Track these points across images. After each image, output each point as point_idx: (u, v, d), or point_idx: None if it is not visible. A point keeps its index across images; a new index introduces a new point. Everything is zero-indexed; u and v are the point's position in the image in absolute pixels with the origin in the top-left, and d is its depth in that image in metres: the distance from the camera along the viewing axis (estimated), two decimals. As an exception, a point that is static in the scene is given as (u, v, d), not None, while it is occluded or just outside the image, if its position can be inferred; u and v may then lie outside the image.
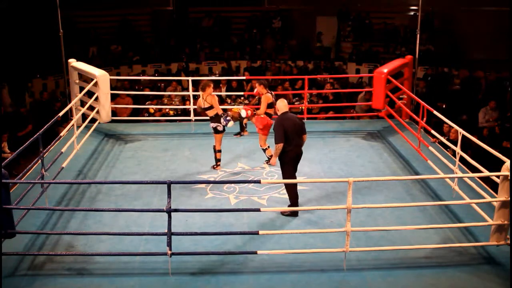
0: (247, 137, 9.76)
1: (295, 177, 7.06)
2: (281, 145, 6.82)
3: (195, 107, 10.52)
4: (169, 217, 5.65)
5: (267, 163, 8.58)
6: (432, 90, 13.70)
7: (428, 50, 16.75)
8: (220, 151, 8.39)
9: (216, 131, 8.24)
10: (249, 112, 8.40)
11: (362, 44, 17.93)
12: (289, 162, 6.94)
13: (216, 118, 8.18)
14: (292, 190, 6.95)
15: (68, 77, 10.29)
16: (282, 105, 7.11)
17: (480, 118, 11.77)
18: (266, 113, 8.40)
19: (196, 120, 10.44)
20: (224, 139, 9.82)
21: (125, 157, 9.07)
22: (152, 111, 11.93)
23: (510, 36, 13.13)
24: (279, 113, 7.14)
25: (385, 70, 9.92)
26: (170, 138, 9.91)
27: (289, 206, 6.98)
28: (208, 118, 8.35)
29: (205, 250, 6.13)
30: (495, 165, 6.33)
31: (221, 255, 5.97)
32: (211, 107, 8.14)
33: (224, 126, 8.19)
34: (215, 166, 8.44)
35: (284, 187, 7.27)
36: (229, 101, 13.17)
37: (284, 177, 7.05)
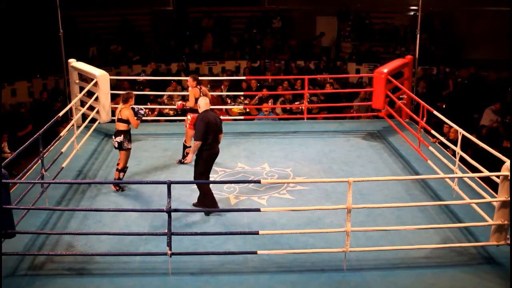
0: (247, 138, 9.78)
1: (207, 176, 7.14)
2: (199, 143, 6.92)
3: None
4: (169, 217, 5.66)
5: (180, 162, 8.70)
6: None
7: (428, 50, 16.75)
8: (126, 169, 7.73)
9: (121, 147, 7.57)
10: (180, 104, 8.51)
11: (362, 44, 17.92)
12: (206, 160, 7.03)
13: (120, 133, 7.52)
14: (203, 188, 7.01)
15: (68, 77, 10.29)
16: (203, 103, 7.13)
17: (485, 118, 11.78)
18: (192, 109, 8.40)
19: (196, 120, 10.42)
20: (223, 139, 9.83)
21: (125, 157, 9.06)
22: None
23: (510, 36, 13.14)
24: (200, 111, 7.16)
25: (385, 70, 9.92)
26: (170, 138, 9.90)
27: (197, 203, 7.12)
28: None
29: (205, 250, 6.13)
30: (495, 165, 6.33)
31: (221, 255, 5.97)
32: (124, 121, 7.53)
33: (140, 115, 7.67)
34: (118, 189, 7.70)
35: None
36: (229, 101, 13.17)
37: (195, 173, 7.12)
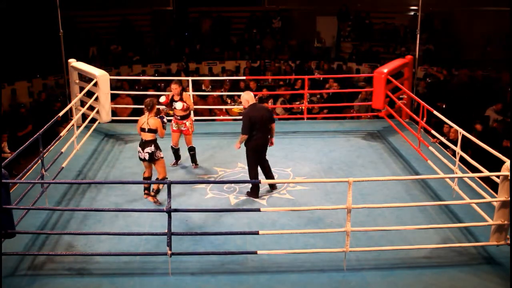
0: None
1: (256, 166, 7.47)
2: (245, 137, 7.28)
3: (195, 107, 10.57)
4: (169, 217, 5.66)
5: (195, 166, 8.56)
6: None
7: (428, 50, 16.76)
8: (166, 179, 7.18)
9: (152, 158, 7.14)
10: (184, 105, 8.23)
11: (362, 44, 17.93)
12: (253, 150, 7.37)
13: (150, 143, 7.12)
14: (252, 174, 7.42)
15: (68, 77, 10.29)
16: (250, 97, 7.38)
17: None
18: (187, 115, 8.41)
19: (196, 120, 10.44)
20: (224, 139, 9.86)
21: (125, 157, 9.07)
22: None
23: (510, 36, 13.15)
24: (247, 106, 7.37)
25: (385, 70, 9.92)
26: (170, 138, 9.88)
27: (249, 192, 7.50)
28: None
29: (205, 250, 6.13)
30: (495, 165, 6.33)
31: (221, 255, 5.98)
32: (153, 131, 7.13)
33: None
34: (156, 201, 7.28)
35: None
36: (229, 101, 13.18)
37: (248, 165, 7.51)
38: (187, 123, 8.41)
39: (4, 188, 5.62)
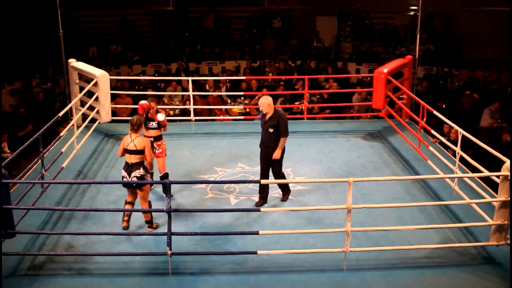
0: (247, 138, 9.78)
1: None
2: (286, 139, 7.13)
3: (195, 107, 10.57)
4: (169, 217, 5.66)
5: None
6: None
7: (428, 50, 16.76)
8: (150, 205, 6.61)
9: (140, 183, 6.34)
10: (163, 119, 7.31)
11: (362, 44, 17.94)
12: (284, 152, 7.27)
13: (138, 166, 6.39)
14: (282, 174, 7.36)
15: (68, 77, 10.29)
16: (271, 101, 7.05)
17: (484, 119, 11.79)
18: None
19: (196, 120, 10.44)
20: (224, 139, 9.86)
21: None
22: None
23: (510, 36, 13.15)
24: (268, 111, 7.03)
25: (385, 70, 9.92)
26: (170, 138, 9.85)
27: (285, 196, 7.42)
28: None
29: (205, 250, 6.13)
30: (495, 165, 6.33)
31: (221, 255, 5.98)
32: (141, 152, 6.43)
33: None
34: (154, 225, 6.62)
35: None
36: (229, 101, 13.18)
37: (277, 166, 7.24)
38: (162, 144, 7.40)
39: (4, 188, 5.62)
